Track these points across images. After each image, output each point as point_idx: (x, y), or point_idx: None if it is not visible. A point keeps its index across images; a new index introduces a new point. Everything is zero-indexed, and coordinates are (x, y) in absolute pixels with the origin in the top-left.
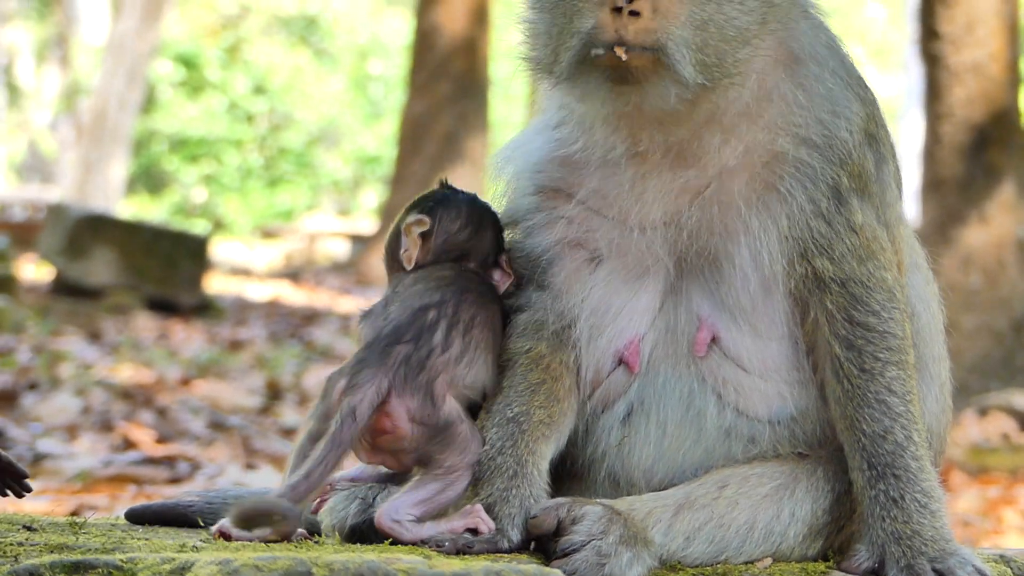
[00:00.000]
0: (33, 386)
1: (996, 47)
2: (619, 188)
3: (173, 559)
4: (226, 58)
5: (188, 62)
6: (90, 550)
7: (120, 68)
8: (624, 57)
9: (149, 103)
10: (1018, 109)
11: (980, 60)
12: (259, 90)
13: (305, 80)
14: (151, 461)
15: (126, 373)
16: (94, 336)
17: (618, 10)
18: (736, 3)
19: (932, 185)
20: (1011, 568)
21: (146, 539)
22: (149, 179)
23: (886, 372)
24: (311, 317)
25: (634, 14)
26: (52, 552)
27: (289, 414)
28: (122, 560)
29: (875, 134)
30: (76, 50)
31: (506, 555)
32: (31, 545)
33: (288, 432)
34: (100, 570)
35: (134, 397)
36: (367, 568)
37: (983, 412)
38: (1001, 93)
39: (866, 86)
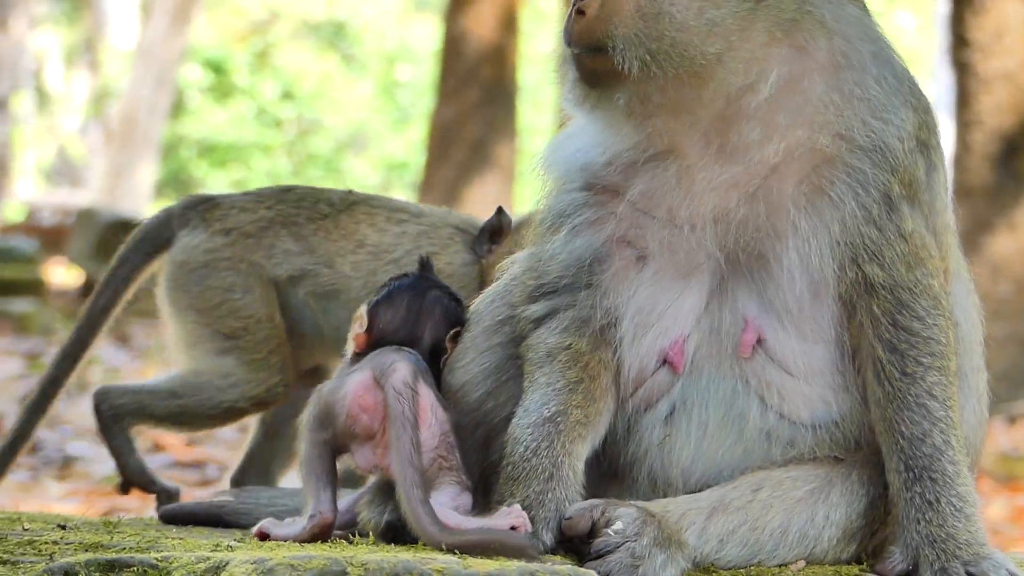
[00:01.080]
0: None
1: None
2: (666, 186)
3: (208, 558)
4: (255, 63)
5: (217, 67)
6: (125, 548)
7: (149, 73)
8: (583, 59)
9: (178, 108)
10: None
11: (1010, 68)
12: (287, 95)
13: (334, 85)
14: (180, 464)
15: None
16: (122, 340)
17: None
18: None
19: (961, 193)
20: None
21: (180, 538)
22: (178, 184)
23: (927, 377)
24: None
25: (580, 13)
26: (87, 551)
27: None
28: (157, 559)
29: (927, 141)
30: (105, 55)
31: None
32: (65, 544)
33: None
34: (135, 569)
35: None
36: (402, 567)
37: (1012, 420)
38: None
39: (918, 93)
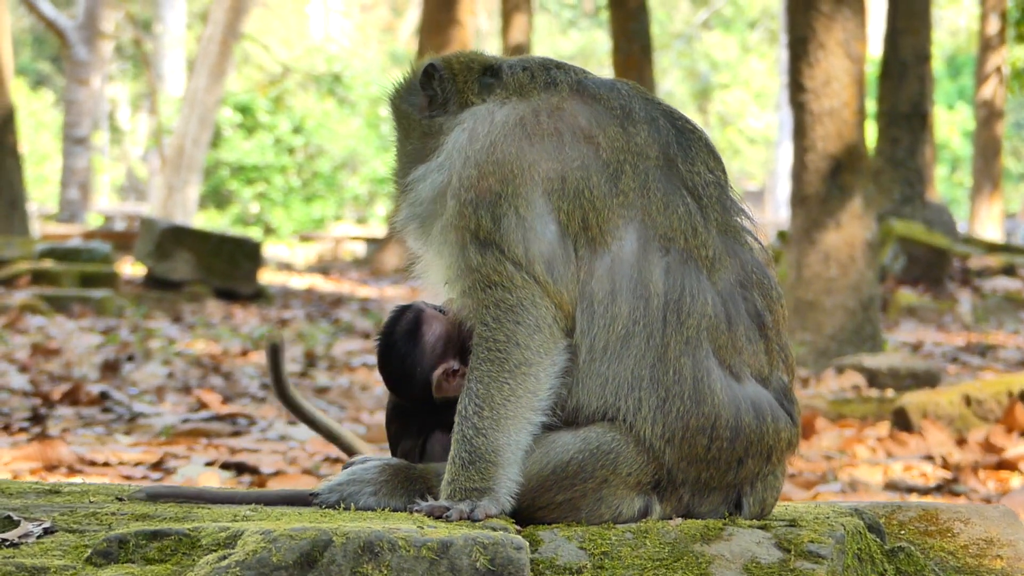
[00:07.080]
0: (131, 358)
1: (847, 97)
2: None
3: (228, 528)
4: (273, 106)
5: (244, 109)
6: (165, 519)
7: (194, 114)
8: None
9: (216, 139)
10: (864, 143)
11: (835, 107)
12: (297, 130)
13: (332, 121)
14: (218, 418)
15: (200, 347)
16: (176, 318)
17: None
18: None
19: (799, 200)
20: (863, 519)
21: (208, 508)
22: (216, 197)
23: (478, 367)
24: (338, 302)
25: None
26: (137, 520)
27: (322, 377)
28: (189, 529)
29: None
30: (161, 101)
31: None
32: (121, 515)
33: (321, 391)
34: (173, 538)
35: (205, 366)
36: (374, 536)
37: (840, 371)
38: (851, 131)
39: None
